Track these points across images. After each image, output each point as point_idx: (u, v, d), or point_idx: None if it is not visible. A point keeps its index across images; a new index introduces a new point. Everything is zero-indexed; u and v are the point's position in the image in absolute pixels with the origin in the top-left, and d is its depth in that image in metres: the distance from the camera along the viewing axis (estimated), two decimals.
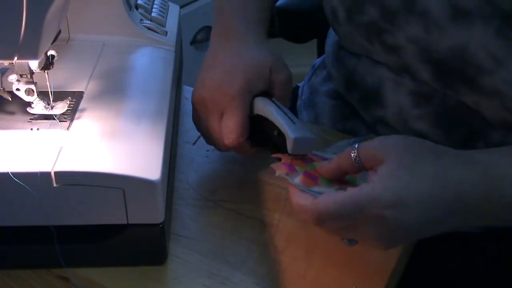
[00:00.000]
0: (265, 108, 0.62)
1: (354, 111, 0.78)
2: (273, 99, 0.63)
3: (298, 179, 0.54)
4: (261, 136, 0.63)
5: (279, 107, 0.62)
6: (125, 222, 0.52)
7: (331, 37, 0.83)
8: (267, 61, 0.65)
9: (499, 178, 0.50)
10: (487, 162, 0.52)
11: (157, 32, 0.74)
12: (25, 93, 0.56)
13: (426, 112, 0.68)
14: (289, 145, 0.57)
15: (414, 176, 0.49)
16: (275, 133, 0.59)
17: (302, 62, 1.41)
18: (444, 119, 0.67)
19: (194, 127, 0.73)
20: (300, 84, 0.95)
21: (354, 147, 0.52)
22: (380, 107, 0.72)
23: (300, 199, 0.52)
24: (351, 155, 0.52)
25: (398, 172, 0.49)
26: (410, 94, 0.68)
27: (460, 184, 0.50)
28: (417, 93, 0.68)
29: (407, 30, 0.63)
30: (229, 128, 0.61)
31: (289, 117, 0.60)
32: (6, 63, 0.54)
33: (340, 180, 0.55)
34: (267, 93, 0.65)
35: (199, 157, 0.71)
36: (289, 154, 0.57)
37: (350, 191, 0.50)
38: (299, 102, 0.92)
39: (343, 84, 0.78)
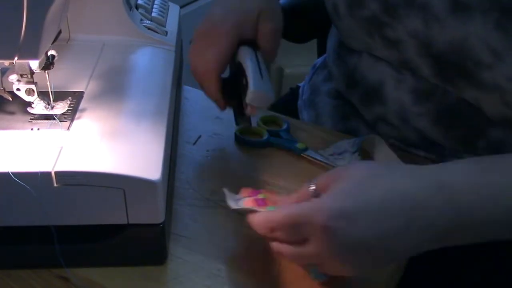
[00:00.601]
0: (244, 56, 0.66)
1: (355, 111, 0.78)
2: (258, 52, 0.67)
3: (243, 202, 0.56)
4: (234, 85, 0.68)
5: (257, 59, 0.66)
6: (126, 222, 0.52)
7: (333, 36, 0.83)
8: (256, 9, 0.69)
9: (450, 187, 0.48)
10: (435, 172, 0.50)
11: (157, 32, 0.74)
12: (26, 93, 0.56)
13: (427, 109, 0.68)
14: (248, 95, 0.63)
15: (362, 190, 0.48)
16: (244, 81, 0.64)
17: (302, 62, 1.41)
18: (444, 116, 0.67)
19: (194, 127, 0.74)
20: (301, 84, 0.95)
21: (313, 181, 0.53)
22: (381, 104, 0.72)
23: (255, 215, 0.52)
24: (309, 187, 0.53)
25: (347, 187, 0.49)
26: (411, 91, 0.69)
27: (408, 196, 0.48)
28: (418, 90, 0.68)
29: (407, 24, 0.63)
30: (206, 58, 0.67)
31: (260, 71, 0.64)
32: (6, 63, 0.54)
33: None
34: (256, 44, 0.69)
35: (199, 157, 0.71)
36: None
37: (300, 204, 0.50)
38: (299, 102, 0.92)
39: (344, 82, 0.78)
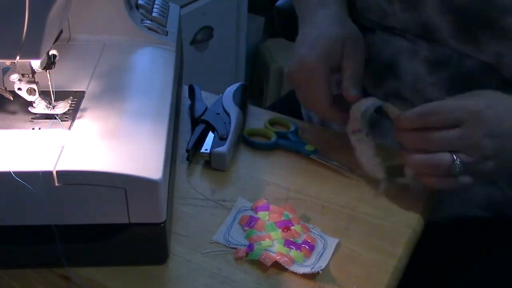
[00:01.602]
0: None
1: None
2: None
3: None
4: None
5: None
6: (127, 222, 0.52)
7: None
8: (340, 35, 0.70)
9: None
10: None
11: (158, 32, 0.74)
12: (27, 93, 0.56)
13: (440, 78, 0.69)
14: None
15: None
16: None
17: None
18: (458, 85, 0.68)
19: None
20: None
21: None
22: (395, 79, 0.73)
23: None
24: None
25: (494, 98, 0.59)
26: (426, 61, 0.70)
27: None
28: (433, 59, 0.69)
29: None
30: (315, 99, 0.69)
31: None
32: (8, 62, 0.54)
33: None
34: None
35: (201, 157, 0.71)
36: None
37: (450, 101, 0.60)
38: None
39: None
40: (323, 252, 0.57)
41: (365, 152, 0.67)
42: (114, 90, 0.63)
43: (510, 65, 0.64)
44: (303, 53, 0.70)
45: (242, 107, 0.76)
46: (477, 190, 0.73)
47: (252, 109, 0.81)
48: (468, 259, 0.70)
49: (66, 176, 0.50)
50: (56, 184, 0.50)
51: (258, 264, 0.56)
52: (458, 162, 0.57)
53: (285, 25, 1.08)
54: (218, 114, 0.74)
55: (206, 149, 0.68)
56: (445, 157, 0.57)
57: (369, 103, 0.66)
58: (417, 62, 0.70)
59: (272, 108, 1.07)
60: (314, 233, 0.60)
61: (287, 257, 0.55)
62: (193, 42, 1.67)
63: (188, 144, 0.70)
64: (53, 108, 0.58)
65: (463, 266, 0.69)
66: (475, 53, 0.66)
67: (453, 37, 0.66)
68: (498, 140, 0.57)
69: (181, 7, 0.89)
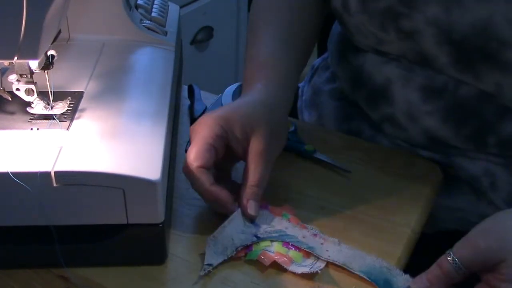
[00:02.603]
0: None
1: (358, 111, 0.78)
2: None
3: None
4: None
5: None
6: (125, 222, 0.52)
7: (335, 36, 0.83)
8: (255, 112, 0.61)
9: None
10: None
11: (157, 32, 0.74)
12: (25, 93, 0.56)
13: (436, 107, 0.67)
14: None
15: None
16: None
17: None
18: (455, 113, 0.67)
19: None
20: (300, 84, 0.95)
21: (449, 255, 0.51)
22: (389, 104, 0.71)
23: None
24: (448, 265, 0.51)
25: None
26: (420, 89, 0.68)
27: None
28: (427, 87, 0.67)
29: (426, 11, 0.62)
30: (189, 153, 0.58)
31: None
32: (6, 63, 0.55)
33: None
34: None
35: None
36: None
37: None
38: (299, 103, 0.92)
39: (349, 83, 0.78)
40: None
41: None
42: (113, 90, 0.63)
43: (510, 94, 0.63)
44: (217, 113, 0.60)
45: None
46: (473, 209, 0.72)
47: None
48: None
49: (64, 176, 0.49)
50: (54, 184, 0.50)
51: (256, 264, 0.55)
52: None
53: None
54: None
55: None
56: None
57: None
58: (410, 89, 0.69)
59: None
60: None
61: (286, 257, 0.55)
62: (193, 42, 1.67)
63: (187, 144, 0.70)
64: (52, 109, 0.57)
65: None
66: (473, 82, 0.64)
67: (451, 67, 0.64)
68: None
69: (181, 7, 0.89)
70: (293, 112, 0.91)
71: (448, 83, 0.66)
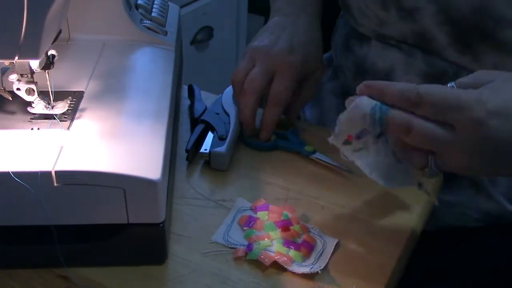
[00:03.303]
0: None
1: None
2: None
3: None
4: None
5: None
6: (126, 222, 0.52)
7: (339, 29, 0.83)
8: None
9: None
10: None
11: (157, 32, 0.74)
12: (26, 93, 0.56)
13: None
14: None
15: None
16: None
17: None
18: None
19: None
20: None
21: (450, 84, 0.50)
22: None
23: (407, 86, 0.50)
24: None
25: (505, 85, 0.47)
26: (422, 74, 0.69)
27: None
28: (429, 73, 0.68)
29: None
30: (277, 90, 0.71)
31: None
32: (6, 62, 0.54)
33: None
34: None
35: (199, 156, 0.71)
36: None
37: (457, 90, 0.48)
38: None
39: (352, 72, 0.78)
40: (323, 252, 0.57)
41: (377, 159, 0.56)
42: (113, 90, 0.63)
43: None
44: (284, 43, 0.72)
45: None
46: (473, 205, 0.72)
47: None
48: (468, 259, 0.70)
49: (65, 176, 0.49)
50: (55, 184, 0.50)
51: (257, 264, 0.55)
52: (432, 167, 0.50)
53: None
54: (218, 114, 0.74)
55: (205, 149, 0.68)
56: (419, 159, 0.51)
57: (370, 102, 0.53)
58: (412, 75, 0.70)
59: None
60: (314, 233, 0.59)
61: (286, 257, 0.55)
62: (193, 42, 1.67)
63: (187, 144, 0.70)
64: (52, 108, 0.57)
65: (463, 267, 0.69)
66: (472, 64, 0.65)
67: (450, 48, 0.65)
68: (489, 161, 0.48)
69: (181, 7, 0.89)
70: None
71: (448, 68, 0.67)
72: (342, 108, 0.79)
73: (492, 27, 0.60)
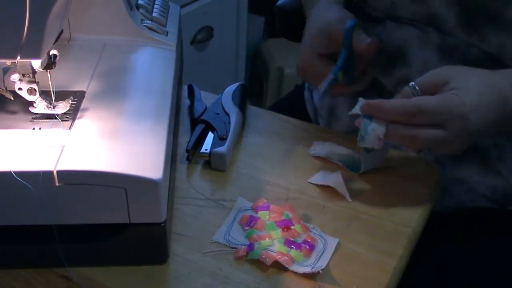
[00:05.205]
0: None
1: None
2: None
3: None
4: None
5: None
6: (127, 221, 0.52)
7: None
8: (328, 23, 0.74)
9: None
10: None
11: (158, 32, 0.74)
12: (27, 93, 0.56)
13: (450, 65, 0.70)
14: None
15: (481, 89, 0.59)
16: None
17: None
18: None
19: None
20: None
21: (411, 84, 0.62)
22: (405, 66, 0.74)
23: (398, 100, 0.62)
24: (410, 91, 0.62)
25: (468, 83, 0.59)
26: (436, 48, 0.71)
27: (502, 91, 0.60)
28: (442, 46, 0.70)
29: None
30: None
31: None
32: (8, 62, 0.55)
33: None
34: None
35: (199, 156, 0.71)
36: None
37: (443, 98, 0.59)
38: (306, 94, 0.92)
39: None
40: (323, 251, 0.57)
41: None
42: (114, 90, 0.63)
43: (511, 54, 0.66)
44: (304, 38, 0.77)
45: (242, 107, 0.76)
46: (481, 180, 0.73)
47: (252, 109, 0.81)
48: (468, 260, 0.70)
49: (66, 176, 0.50)
50: (57, 184, 0.50)
51: (258, 263, 0.56)
52: (427, 152, 0.61)
53: (285, 25, 1.09)
54: (218, 114, 0.74)
55: (205, 149, 0.68)
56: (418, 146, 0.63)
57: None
58: (428, 49, 0.72)
59: (278, 106, 1.07)
60: (314, 232, 0.60)
61: (287, 257, 0.55)
62: (193, 42, 1.67)
63: (188, 144, 0.70)
64: (54, 108, 0.58)
65: (463, 268, 0.69)
66: (479, 44, 0.68)
67: (459, 28, 0.68)
68: (472, 139, 0.61)
69: (181, 7, 0.89)
70: (299, 113, 0.91)
71: (459, 44, 0.69)
72: (353, 100, 0.79)
73: (498, 8, 0.64)
